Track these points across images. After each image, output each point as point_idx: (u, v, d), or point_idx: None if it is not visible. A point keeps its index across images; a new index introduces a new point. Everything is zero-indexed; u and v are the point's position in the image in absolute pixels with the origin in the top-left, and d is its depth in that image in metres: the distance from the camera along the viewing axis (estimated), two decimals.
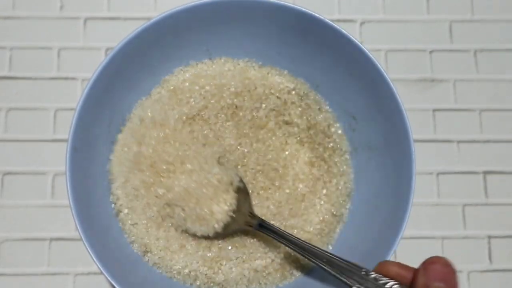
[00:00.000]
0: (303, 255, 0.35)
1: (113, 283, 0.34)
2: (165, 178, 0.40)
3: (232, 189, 0.40)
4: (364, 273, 0.31)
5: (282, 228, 0.42)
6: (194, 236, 0.41)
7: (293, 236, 0.37)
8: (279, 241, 0.37)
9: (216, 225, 0.39)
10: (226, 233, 0.39)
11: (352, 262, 0.33)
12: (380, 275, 0.31)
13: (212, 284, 0.40)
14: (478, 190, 0.46)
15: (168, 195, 0.40)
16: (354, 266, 0.33)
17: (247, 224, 0.39)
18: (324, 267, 0.34)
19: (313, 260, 0.35)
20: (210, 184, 0.39)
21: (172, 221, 0.40)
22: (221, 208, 0.39)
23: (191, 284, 0.40)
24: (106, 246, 0.37)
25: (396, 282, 0.30)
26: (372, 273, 0.31)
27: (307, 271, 0.41)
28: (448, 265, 0.28)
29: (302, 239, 0.37)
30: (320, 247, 0.36)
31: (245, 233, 0.41)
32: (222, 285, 0.40)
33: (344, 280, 0.32)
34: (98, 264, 0.34)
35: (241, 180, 0.40)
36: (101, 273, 0.39)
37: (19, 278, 0.43)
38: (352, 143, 0.43)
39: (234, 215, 0.39)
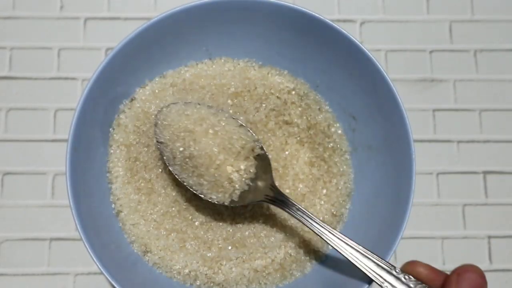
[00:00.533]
0: (327, 241, 0.35)
1: (113, 283, 0.34)
2: (183, 145, 0.38)
3: (253, 155, 0.38)
4: (392, 269, 0.31)
5: (285, 227, 0.42)
6: (196, 236, 0.41)
7: (317, 218, 0.36)
8: (300, 221, 0.36)
9: (233, 193, 0.38)
10: (243, 203, 0.38)
11: (379, 255, 0.32)
12: (409, 275, 0.30)
13: (212, 284, 0.40)
14: (478, 190, 0.46)
15: (187, 151, 0.37)
16: (381, 260, 0.32)
17: (266, 198, 0.38)
18: (348, 256, 0.33)
19: (336, 247, 0.34)
20: (232, 149, 0.37)
21: (187, 181, 0.38)
22: (239, 175, 0.37)
23: (191, 284, 0.40)
24: (106, 246, 0.37)
25: (425, 286, 0.29)
26: (401, 272, 0.30)
27: (307, 271, 0.41)
28: (483, 276, 0.28)
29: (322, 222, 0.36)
30: (345, 236, 0.35)
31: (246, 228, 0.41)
32: (222, 285, 0.40)
33: (369, 272, 0.32)
34: (98, 264, 0.34)
35: (262, 148, 0.39)
36: (101, 273, 0.39)
37: (19, 278, 0.43)
38: (352, 143, 0.43)
39: (251, 184, 0.38)
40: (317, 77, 0.44)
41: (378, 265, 0.32)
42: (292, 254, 0.41)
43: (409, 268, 0.31)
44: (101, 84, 0.38)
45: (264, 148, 0.39)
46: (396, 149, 0.39)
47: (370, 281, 0.36)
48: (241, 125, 0.39)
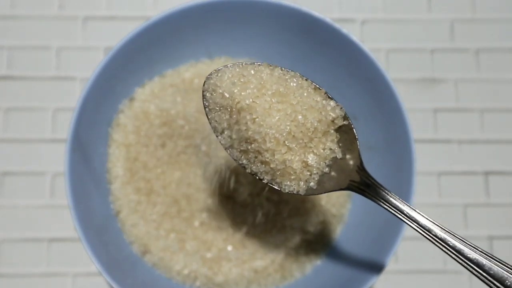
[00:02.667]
0: (440, 247, 0.28)
1: (112, 284, 0.34)
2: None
3: (333, 128, 0.29)
4: None
5: (285, 227, 0.42)
6: (195, 237, 0.41)
7: (417, 211, 0.29)
8: (396, 215, 0.29)
9: (310, 179, 0.29)
10: (323, 192, 0.30)
11: (505, 262, 0.26)
12: None
13: (211, 285, 0.40)
14: (480, 190, 0.46)
15: (245, 134, 0.29)
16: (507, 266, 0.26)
17: (352, 183, 0.30)
18: (462, 260, 0.27)
19: (444, 248, 0.28)
20: (307, 124, 0.28)
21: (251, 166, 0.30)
22: (316, 156, 0.29)
23: (190, 285, 0.40)
24: (105, 247, 0.37)
25: None
26: None
27: (307, 271, 0.41)
28: None
29: None
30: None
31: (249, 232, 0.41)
32: (222, 286, 0.40)
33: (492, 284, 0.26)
34: (97, 265, 0.34)
35: (346, 117, 0.30)
36: (100, 273, 0.39)
37: (18, 278, 0.43)
38: None
39: (332, 166, 0.29)
40: (317, 77, 0.43)
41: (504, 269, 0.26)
42: (292, 254, 0.41)
43: None
44: (100, 83, 0.38)
45: (349, 117, 0.30)
46: (397, 149, 0.39)
47: (369, 281, 0.36)
48: (316, 88, 0.30)
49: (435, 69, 0.48)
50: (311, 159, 0.29)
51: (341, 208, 0.42)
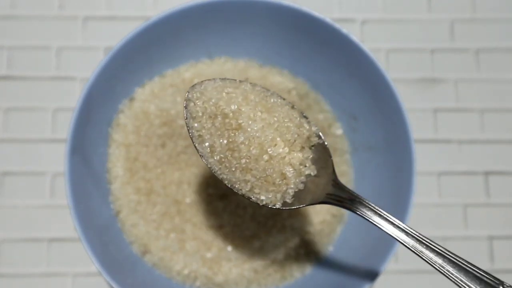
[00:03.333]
0: (417, 253, 0.28)
1: (111, 284, 0.34)
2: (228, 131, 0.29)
3: (309, 145, 0.31)
4: (499, 285, 0.26)
5: (285, 227, 0.42)
6: (195, 237, 0.41)
7: (400, 222, 0.29)
8: (375, 225, 0.30)
9: (286, 193, 0.30)
10: (299, 205, 0.30)
11: (482, 269, 0.27)
12: None
13: (211, 285, 0.40)
14: (480, 190, 0.46)
15: (230, 140, 0.29)
16: (486, 275, 0.27)
17: (328, 197, 0.30)
18: (442, 270, 0.27)
19: (428, 259, 0.28)
20: (287, 136, 0.29)
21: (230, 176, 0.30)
22: (294, 170, 0.30)
23: (190, 285, 0.40)
24: (105, 247, 0.37)
25: None
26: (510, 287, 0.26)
27: (307, 272, 0.41)
28: None
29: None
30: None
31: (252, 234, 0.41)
32: (222, 286, 0.40)
33: None
34: (97, 265, 0.34)
35: (320, 136, 0.31)
36: (100, 273, 0.39)
37: (18, 278, 0.43)
38: (353, 143, 0.43)
39: (308, 181, 0.30)
40: (317, 77, 0.43)
41: (480, 279, 0.27)
42: (292, 254, 0.41)
43: None
44: (100, 83, 0.38)
45: (323, 136, 0.31)
46: (397, 149, 0.39)
47: (369, 282, 0.36)
48: (292, 107, 0.31)
49: (435, 69, 0.48)
50: (289, 172, 0.30)
51: (341, 208, 0.42)
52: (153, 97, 0.43)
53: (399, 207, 0.37)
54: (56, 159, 0.44)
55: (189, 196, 0.41)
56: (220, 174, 0.30)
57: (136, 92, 0.42)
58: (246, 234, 0.41)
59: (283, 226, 0.41)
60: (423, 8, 0.50)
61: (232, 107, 0.29)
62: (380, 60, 0.47)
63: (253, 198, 0.30)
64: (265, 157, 0.29)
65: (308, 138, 0.31)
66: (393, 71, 0.48)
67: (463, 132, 0.47)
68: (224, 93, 0.30)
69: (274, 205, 0.30)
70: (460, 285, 0.27)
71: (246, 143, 0.29)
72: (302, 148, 0.30)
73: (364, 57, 0.38)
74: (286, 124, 0.30)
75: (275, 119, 0.30)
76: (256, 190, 0.30)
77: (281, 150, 0.29)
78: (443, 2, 0.50)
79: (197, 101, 0.30)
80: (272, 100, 0.31)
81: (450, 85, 0.48)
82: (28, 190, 0.44)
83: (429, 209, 0.45)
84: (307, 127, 0.31)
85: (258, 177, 0.29)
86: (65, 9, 0.48)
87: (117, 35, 0.44)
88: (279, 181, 0.30)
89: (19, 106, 0.46)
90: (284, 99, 0.31)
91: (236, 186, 0.30)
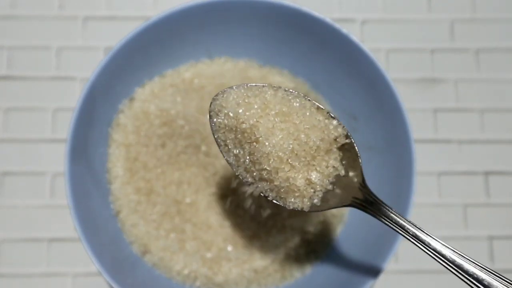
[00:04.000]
0: (443, 263, 0.28)
1: (111, 284, 0.34)
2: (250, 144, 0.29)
3: (336, 146, 0.30)
4: None
5: (285, 227, 0.42)
6: (196, 237, 0.41)
7: (426, 231, 0.29)
8: (397, 231, 0.29)
9: (314, 196, 0.30)
10: (327, 208, 0.30)
11: (504, 276, 0.26)
12: None
13: (211, 285, 0.40)
14: (480, 190, 0.46)
15: (248, 152, 0.29)
16: (504, 279, 0.26)
17: (355, 201, 0.30)
18: (467, 280, 0.27)
19: (453, 269, 0.28)
20: (309, 143, 0.29)
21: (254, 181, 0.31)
22: (319, 174, 0.30)
23: (190, 285, 0.40)
24: (105, 247, 0.37)
25: None
26: None
27: (307, 271, 0.41)
28: None
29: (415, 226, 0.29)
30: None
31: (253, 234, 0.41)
32: (222, 286, 0.40)
33: None
34: (97, 265, 0.34)
35: (348, 136, 0.31)
36: (100, 273, 0.39)
37: (18, 278, 0.43)
38: None
39: (335, 183, 0.30)
40: (317, 77, 0.43)
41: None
42: (292, 254, 0.41)
43: None
44: (100, 83, 0.38)
45: (351, 136, 0.31)
46: (397, 149, 0.39)
47: (369, 282, 0.36)
48: (318, 108, 0.31)
49: (435, 69, 0.48)
50: (314, 176, 0.29)
51: (341, 208, 0.42)
52: (153, 97, 0.43)
53: (399, 207, 0.37)
54: (56, 159, 0.44)
55: (189, 196, 0.41)
56: (247, 181, 0.31)
57: (136, 92, 0.42)
58: (246, 234, 0.41)
59: (283, 226, 0.41)
60: (423, 8, 0.50)
61: (251, 121, 0.29)
62: (380, 60, 0.47)
63: (281, 203, 0.30)
64: (286, 167, 0.29)
65: (335, 139, 0.30)
66: (393, 71, 0.48)
67: (463, 132, 0.47)
68: (243, 104, 0.30)
69: (302, 209, 0.30)
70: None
71: (265, 156, 0.29)
72: (329, 150, 0.30)
73: (364, 57, 0.38)
74: (307, 132, 0.29)
75: (295, 127, 0.29)
76: (282, 196, 0.30)
77: (302, 159, 0.29)
78: (443, 2, 0.50)
79: (219, 113, 0.30)
80: (295, 104, 0.30)
81: (450, 85, 0.48)
82: (28, 190, 0.44)
83: (429, 209, 0.45)
84: (333, 129, 0.30)
85: (282, 185, 0.30)
86: (65, 9, 0.48)
87: (117, 35, 0.44)
88: (304, 186, 0.30)
89: (19, 106, 0.46)
90: (309, 99, 0.31)
91: (263, 193, 0.31)
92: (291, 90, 0.31)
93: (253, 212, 0.41)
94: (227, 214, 0.41)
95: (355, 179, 0.31)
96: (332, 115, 0.31)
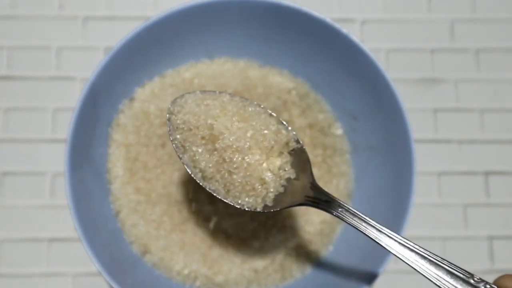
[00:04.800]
0: (387, 248, 0.29)
1: (111, 284, 0.34)
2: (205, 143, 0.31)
3: (287, 150, 0.32)
4: (470, 278, 0.27)
5: (285, 227, 0.42)
6: (196, 237, 0.41)
7: (372, 220, 0.30)
8: (352, 225, 0.31)
9: (266, 197, 0.32)
10: (279, 208, 0.32)
11: (453, 263, 0.28)
12: (492, 285, 0.26)
13: (212, 285, 0.40)
14: (480, 190, 0.46)
15: (210, 147, 0.31)
16: (455, 267, 0.27)
17: (307, 199, 0.32)
18: (414, 265, 0.28)
19: (399, 254, 0.29)
20: (264, 143, 0.31)
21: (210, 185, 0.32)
22: (273, 175, 0.31)
23: (190, 285, 0.40)
24: (105, 247, 0.37)
25: None
26: (481, 281, 0.26)
27: (307, 272, 0.41)
28: None
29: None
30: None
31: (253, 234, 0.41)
32: (222, 286, 0.40)
33: (442, 284, 0.27)
34: (97, 265, 0.34)
35: (298, 141, 0.33)
36: (100, 273, 0.39)
37: (18, 278, 0.43)
38: (353, 143, 0.43)
39: (287, 185, 0.32)
40: (317, 77, 0.43)
41: (451, 273, 0.27)
42: (292, 254, 0.41)
43: (500, 281, 0.26)
44: (100, 83, 0.38)
45: (301, 141, 0.33)
46: (397, 149, 0.39)
47: (369, 282, 0.36)
48: (270, 115, 0.33)
49: (435, 69, 0.48)
50: (268, 177, 0.31)
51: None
52: (153, 97, 0.43)
53: (399, 207, 0.37)
54: (56, 159, 0.44)
55: (189, 196, 0.41)
56: (203, 183, 0.32)
57: (136, 92, 0.42)
58: (246, 234, 0.41)
59: (283, 226, 0.41)
60: (423, 8, 0.50)
61: (209, 120, 0.31)
62: (380, 60, 0.47)
63: (236, 205, 0.32)
64: (244, 164, 0.31)
65: (286, 143, 0.32)
66: (393, 71, 0.48)
67: (463, 132, 0.47)
68: (203, 106, 0.32)
69: (255, 209, 0.32)
70: (434, 278, 0.28)
71: (224, 152, 0.31)
72: (281, 153, 0.32)
73: (364, 57, 0.38)
74: (262, 132, 0.31)
75: (252, 127, 0.31)
76: (237, 194, 0.32)
77: (258, 157, 0.31)
78: (443, 2, 0.50)
79: (178, 114, 0.32)
80: (250, 109, 0.33)
81: (450, 85, 0.48)
82: (28, 190, 0.44)
83: (429, 209, 0.45)
84: (285, 133, 0.32)
85: (237, 184, 0.31)
86: (65, 9, 0.48)
87: (117, 35, 0.44)
88: (259, 186, 0.31)
89: (19, 106, 0.46)
90: (263, 107, 0.33)
91: (219, 194, 0.32)
92: (245, 98, 0.33)
93: (253, 212, 0.41)
94: (227, 214, 0.41)
95: (306, 180, 0.32)
96: (283, 122, 0.33)
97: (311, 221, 0.42)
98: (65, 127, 0.45)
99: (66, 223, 0.44)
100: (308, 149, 0.43)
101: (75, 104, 0.37)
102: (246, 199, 0.32)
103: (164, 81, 0.43)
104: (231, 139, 0.31)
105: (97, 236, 0.37)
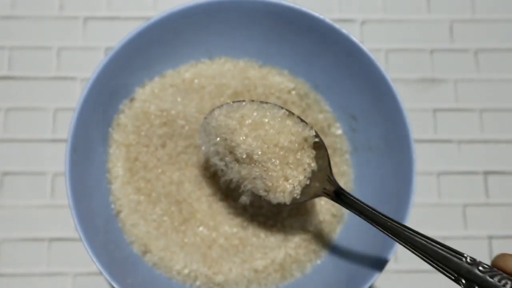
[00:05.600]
0: (391, 236, 0.31)
1: (112, 283, 0.34)
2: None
3: (308, 145, 0.35)
4: (471, 263, 0.27)
5: (285, 227, 0.42)
6: (196, 237, 0.41)
7: (379, 212, 0.32)
8: (360, 216, 0.33)
9: (293, 191, 0.34)
10: (305, 200, 0.35)
11: (451, 247, 0.28)
12: (493, 268, 0.26)
13: (212, 285, 0.40)
14: (479, 190, 0.46)
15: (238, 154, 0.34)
16: (454, 252, 0.28)
17: (324, 192, 0.34)
18: (415, 251, 0.29)
19: (401, 242, 0.30)
20: (285, 145, 0.34)
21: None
22: (295, 171, 0.34)
23: (190, 284, 0.40)
24: (105, 247, 0.37)
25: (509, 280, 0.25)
26: (481, 264, 0.27)
27: (307, 271, 0.41)
28: None
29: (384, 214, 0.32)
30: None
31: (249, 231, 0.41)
32: (222, 286, 0.40)
33: (443, 270, 0.28)
34: (97, 264, 0.34)
35: (317, 135, 0.35)
36: (100, 273, 0.39)
37: (18, 278, 0.43)
38: (353, 143, 0.43)
39: (311, 177, 0.34)
40: (317, 77, 0.43)
41: (446, 258, 0.28)
42: (292, 254, 0.41)
43: (496, 262, 0.27)
44: (100, 84, 0.38)
45: (319, 134, 0.36)
46: (397, 149, 0.39)
47: (369, 281, 0.36)
48: (289, 114, 0.35)
49: (434, 69, 0.48)
50: (289, 173, 0.34)
51: (341, 208, 0.42)
52: (154, 97, 0.43)
53: (399, 207, 0.37)
54: (57, 159, 0.44)
55: (189, 196, 0.41)
56: (237, 183, 0.36)
57: (136, 92, 0.43)
58: (246, 234, 0.41)
59: (283, 226, 0.41)
60: (422, 8, 0.50)
61: (227, 134, 0.35)
62: (380, 60, 0.47)
63: (267, 198, 0.35)
64: (270, 165, 0.34)
65: (305, 139, 0.35)
66: (393, 71, 0.48)
67: (463, 132, 0.47)
68: (228, 116, 0.35)
69: (284, 203, 0.34)
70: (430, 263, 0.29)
71: (248, 159, 0.34)
72: (301, 149, 0.34)
73: (364, 57, 0.38)
74: (278, 135, 0.34)
75: (271, 132, 0.34)
76: (264, 193, 0.35)
77: (277, 161, 0.34)
78: (442, 2, 0.50)
79: (207, 126, 0.36)
80: (268, 114, 0.35)
81: (449, 85, 0.48)
82: (28, 190, 0.44)
83: (428, 209, 0.45)
84: (301, 131, 0.35)
85: (266, 183, 0.34)
86: (65, 9, 0.48)
87: (117, 36, 0.44)
88: (283, 182, 0.34)
89: (20, 106, 0.46)
90: (281, 107, 0.35)
91: (253, 189, 0.35)
92: (266, 102, 0.36)
93: (253, 212, 0.41)
94: (227, 214, 0.41)
95: (324, 173, 0.35)
96: (302, 119, 0.35)
97: (311, 221, 0.42)
98: (65, 127, 0.45)
99: (67, 223, 0.44)
100: None
101: (76, 104, 0.37)
102: (274, 196, 0.34)
103: (164, 81, 0.43)
104: (248, 150, 0.34)
105: (97, 236, 0.37)
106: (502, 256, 0.27)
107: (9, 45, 0.47)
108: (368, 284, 0.36)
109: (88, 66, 0.45)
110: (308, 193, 0.35)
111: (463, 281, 0.27)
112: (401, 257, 0.44)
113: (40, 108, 0.46)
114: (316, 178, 0.35)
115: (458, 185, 0.46)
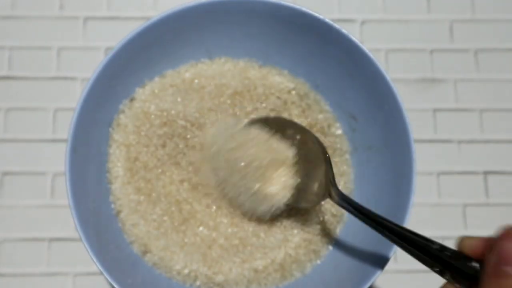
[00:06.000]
0: (389, 238, 0.32)
1: (112, 283, 0.34)
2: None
3: (289, 163, 0.38)
4: (440, 249, 0.28)
5: (285, 227, 0.42)
6: (196, 237, 0.41)
7: (378, 215, 0.33)
8: (358, 218, 0.34)
9: (281, 203, 0.38)
10: (306, 205, 0.38)
11: (420, 234, 0.30)
12: (459, 253, 0.27)
13: (212, 285, 0.40)
14: (479, 190, 0.46)
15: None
16: (424, 240, 0.29)
17: (326, 194, 0.36)
18: (425, 257, 0.30)
19: (402, 245, 0.31)
20: (256, 163, 0.37)
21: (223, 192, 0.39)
22: (276, 186, 0.37)
23: (191, 284, 0.40)
24: (105, 247, 0.37)
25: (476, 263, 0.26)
26: (448, 249, 0.27)
27: (307, 271, 0.41)
28: None
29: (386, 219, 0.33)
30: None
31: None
32: (222, 286, 0.40)
33: (418, 258, 0.29)
34: (97, 264, 0.34)
35: (324, 150, 0.38)
36: (101, 273, 0.39)
37: (18, 278, 0.43)
38: (352, 143, 0.43)
39: (304, 187, 0.37)
40: (317, 77, 0.43)
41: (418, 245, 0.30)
42: (292, 254, 0.41)
43: (460, 245, 0.28)
44: (100, 84, 0.38)
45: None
46: (397, 149, 0.39)
47: (369, 281, 0.36)
48: (272, 134, 0.39)
49: (434, 69, 0.48)
50: (271, 189, 0.37)
51: (340, 208, 0.42)
52: (154, 97, 0.43)
53: (398, 207, 0.37)
54: (57, 159, 0.44)
55: (189, 196, 0.41)
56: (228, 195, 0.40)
57: (136, 92, 0.43)
58: (246, 234, 0.41)
59: (283, 226, 0.41)
60: (422, 8, 0.50)
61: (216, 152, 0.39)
62: (380, 60, 0.47)
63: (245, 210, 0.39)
64: (256, 185, 0.37)
65: (285, 159, 0.38)
66: (393, 71, 0.48)
67: (463, 132, 0.47)
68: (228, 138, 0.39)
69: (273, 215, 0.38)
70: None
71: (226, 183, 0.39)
72: (281, 166, 0.37)
73: (364, 57, 0.38)
74: (258, 155, 0.37)
75: (247, 155, 0.37)
76: (251, 205, 0.39)
77: (256, 181, 0.37)
78: (442, 2, 0.50)
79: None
80: (250, 136, 0.38)
81: (449, 85, 0.48)
82: (28, 190, 0.44)
83: (428, 209, 0.46)
84: (282, 151, 0.38)
85: (250, 195, 0.38)
86: (65, 9, 0.48)
87: (117, 36, 0.44)
88: (268, 197, 0.37)
89: (20, 106, 0.46)
90: (266, 125, 0.39)
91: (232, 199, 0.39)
92: (252, 121, 0.40)
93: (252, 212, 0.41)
94: (227, 214, 0.41)
95: (324, 180, 0.37)
96: (282, 136, 0.38)
97: (311, 221, 0.42)
98: (65, 127, 0.45)
99: (67, 223, 0.44)
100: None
101: (76, 104, 0.37)
102: (260, 207, 0.38)
103: (164, 81, 0.43)
104: (241, 165, 0.37)
105: (97, 236, 0.37)
106: (463, 239, 0.28)
107: (9, 45, 0.47)
108: (369, 283, 0.36)
109: (88, 66, 0.45)
110: (308, 199, 0.37)
111: (437, 268, 0.28)
112: (400, 257, 0.44)
113: (40, 108, 0.46)
114: (312, 186, 0.37)
115: (458, 185, 0.46)
